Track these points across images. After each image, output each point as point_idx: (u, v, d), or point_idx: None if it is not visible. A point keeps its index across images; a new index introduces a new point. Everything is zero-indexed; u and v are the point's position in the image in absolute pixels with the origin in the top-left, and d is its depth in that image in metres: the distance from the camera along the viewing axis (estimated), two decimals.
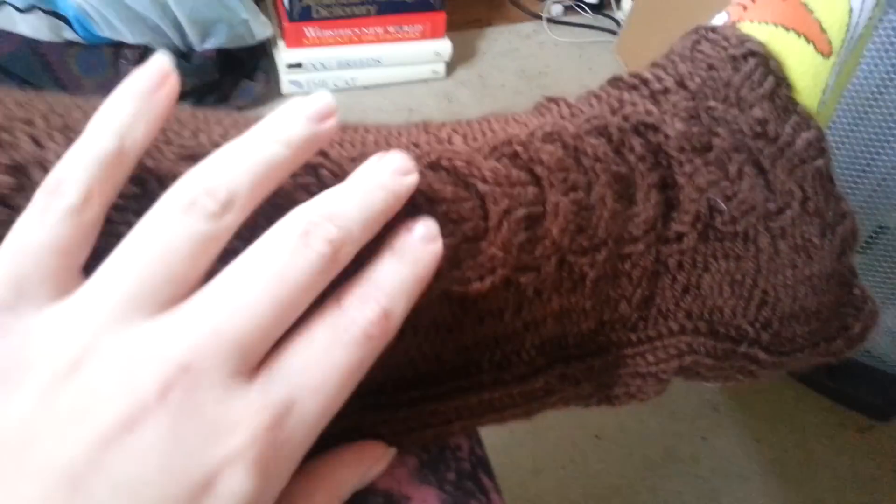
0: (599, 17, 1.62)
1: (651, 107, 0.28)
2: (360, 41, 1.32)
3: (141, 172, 0.21)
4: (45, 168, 0.20)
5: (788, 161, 0.28)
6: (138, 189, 0.21)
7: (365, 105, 1.34)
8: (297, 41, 1.27)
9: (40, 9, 1.04)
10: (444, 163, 0.24)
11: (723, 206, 0.27)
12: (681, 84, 0.28)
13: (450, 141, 0.25)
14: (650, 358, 0.28)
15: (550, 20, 1.59)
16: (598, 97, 0.29)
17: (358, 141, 0.24)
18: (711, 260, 0.27)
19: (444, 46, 1.37)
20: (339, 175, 0.22)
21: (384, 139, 0.25)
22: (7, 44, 1.07)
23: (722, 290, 0.28)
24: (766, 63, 0.29)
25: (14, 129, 0.20)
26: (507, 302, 0.24)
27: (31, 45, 1.07)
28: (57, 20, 1.05)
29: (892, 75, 0.72)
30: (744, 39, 0.30)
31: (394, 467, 0.26)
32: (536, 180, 0.25)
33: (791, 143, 0.28)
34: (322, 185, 0.22)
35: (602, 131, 0.26)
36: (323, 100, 0.21)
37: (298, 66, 1.28)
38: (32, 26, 1.05)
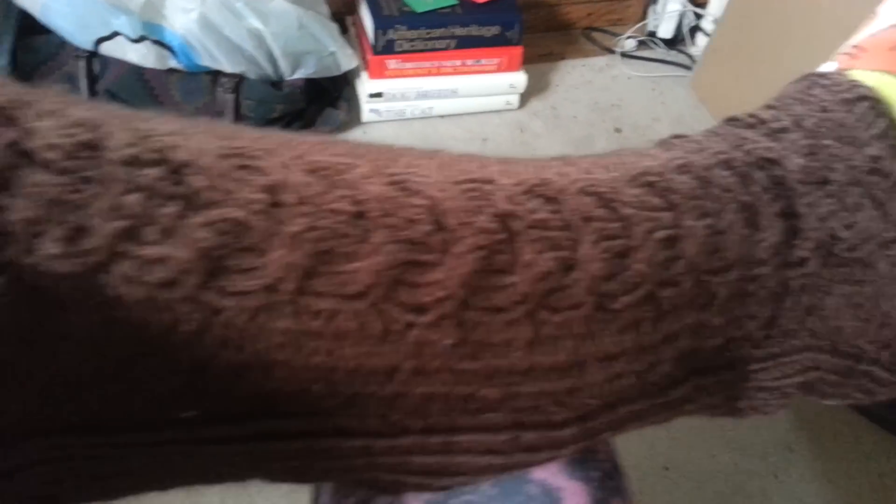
0: (673, 52, 1.63)
1: (771, 143, 0.30)
2: (439, 73, 1.37)
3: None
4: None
5: None
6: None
7: (441, 133, 1.38)
8: (379, 72, 1.33)
9: (149, 39, 1.13)
10: (591, 189, 0.26)
11: (843, 234, 0.29)
12: (797, 124, 0.31)
13: (591, 171, 0.28)
14: (775, 373, 0.30)
15: (624, 55, 1.61)
16: (718, 134, 0.32)
17: (514, 170, 0.27)
18: (833, 283, 0.29)
19: (519, 79, 1.41)
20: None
21: (536, 169, 0.28)
22: (116, 70, 1.16)
23: (843, 311, 0.29)
24: (876, 106, 0.31)
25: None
26: (647, 315, 0.27)
27: (137, 72, 1.16)
28: (163, 49, 1.14)
29: None
30: (855, 84, 0.32)
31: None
32: (672, 206, 0.27)
33: None
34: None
35: (728, 164, 0.29)
36: None
37: (379, 95, 1.34)
38: (140, 54, 1.14)
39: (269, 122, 1.22)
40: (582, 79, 1.56)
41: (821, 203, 0.29)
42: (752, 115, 0.32)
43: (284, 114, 1.23)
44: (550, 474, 0.29)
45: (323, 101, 1.31)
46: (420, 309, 0.23)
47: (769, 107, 0.33)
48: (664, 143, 0.32)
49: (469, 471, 0.27)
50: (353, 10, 1.41)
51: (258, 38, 1.16)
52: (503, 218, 0.24)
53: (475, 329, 0.24)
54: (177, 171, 0.21)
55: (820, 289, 0.29)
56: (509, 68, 1.40)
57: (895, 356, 0.31)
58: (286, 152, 0.23)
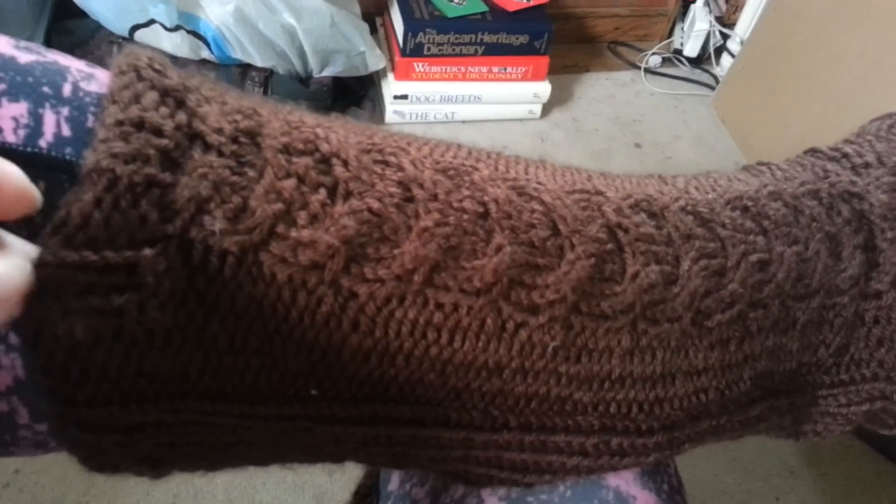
0: (697, 70, 1.64)
1: (855, 178, 0.32)
2: (465, 78, 1.38)
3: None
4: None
5: None
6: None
7: (462, 138, 1.38)
8: (405, 74, 1.35)
9: (184, 29, 1.15)
10: (690, 208, 0.28)
11: None
12: (880, 161, 0.32)
13: (687, 191, 0.29)
14: (842, 399, 0.32)
15: (648, 71, 1.62)
16: (802, 165, 0.33)
17: (619, 185, 0.28)
18: None
19: (543, 88, 1.42)
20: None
21: (638, 185, 0.29)
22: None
23: None
24: None
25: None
26: (735, 334, 0.28)
27: (170, 61, 1.18)
28: (197, 40, 1.16)
29: None
30: None
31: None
32: (764, 231, 0.29)
33: None
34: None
35: (815, 195, 0.30)
36: None
37: (404, 97, 1.36)
38: (175, 44, 1.16)
39: None
40: (605, 92, 1.57)
41: None
42: (834, 149, 0.33)
43: (310, 110, 1.24)
44: (624, 482, 0.30)
45: (348, 100, 1.32)
46: (533, 309, 0.24)
47: (849, 141, 0.34)
48: (751, 169, 0.33)
49: (558, 470, 0.28)
50: (382, 10, 1.43)
51: (290, 33, 1.17)
52: (613, 228, 0.26)
53: (580, 334, 0.25)
54: (325, 160, 0.23)
55: (892, 322, 0.31)
56: (534, 78, 1.41)
57: None
58: (415, 151, 0.25)
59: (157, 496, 0.84)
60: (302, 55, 1.21)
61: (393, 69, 1.36)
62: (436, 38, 1.32)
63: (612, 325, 0.26)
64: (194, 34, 1.15)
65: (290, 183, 0.22)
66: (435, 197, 0.23)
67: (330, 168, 0.23)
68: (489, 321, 0.24)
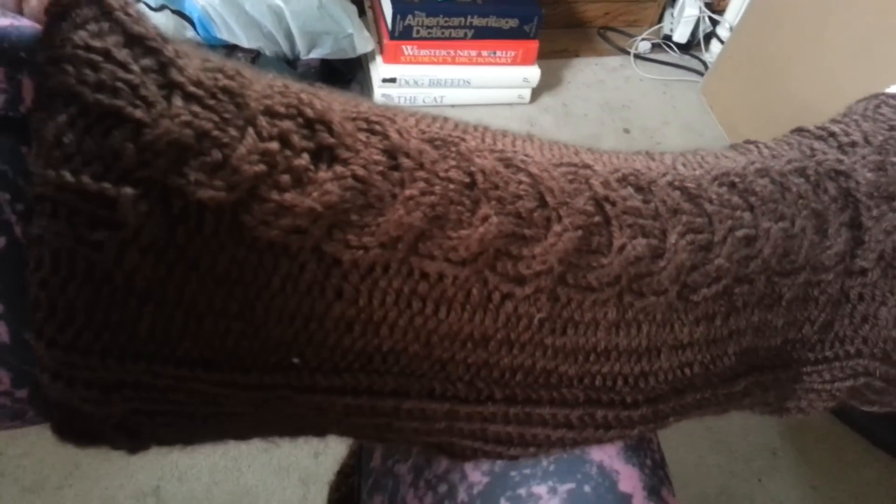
0: (686, 56, 1.64)
1: (841, 156, 0.32)
2: (454, 62, 1.38)
3: None
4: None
5: None
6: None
7: None
8: (394, 57, 1.34)
9: (169, 8, 1.13)
10: (678, 183, 0.28)
11: None
12: (866, 140, 0.32)
13: (674, 167, 0.29)
14: (826, 376, 0.32)
15: (638, 56, 1.62)
16: (789, 143, 0.33)
17: (606, 160, 0.28)
18: (889, 295, 0.31)
19: (532, 73, 1.42)
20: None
21: (625, 160, 0.29)
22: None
23: None
24: None
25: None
26: (720, 309, 0.28)
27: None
28: (182, 20, 1.14)
29: None
30: None
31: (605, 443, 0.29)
32: (751, 207, 0.29)
33: None
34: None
35: (802, 172, 0.31)
36: None
37: (392, 80, 1.35)
38: (159, 24, 1.14)
39: None
40: (594, 77, 1.56)
41: (887, 217, 0.31)
42: (821, 128, 0.34)
43: None
44: (607, 456, 0.30)
45: (335, 82, 1.31)
46: (519, 280, 0.24)
47: (836, 121, 0.34)
48: (738, 147, 0.33)
49: (543, 442, 0.28)
50: None
51: (278, 14, 1.16)
52: (600, 201, 0.26)
53: (566, 306, 0.25)
54: (309, 125, 0.22)
55: (876, 299, 0.31)
56: (524, 62, 1.41)
57: None
58: (401, 121, 0.24)
59: (140, 479, 0.84)
60: (289, 37, 1.20)
61: (381, 52, 1.35)
62: (425, 21, 1.31)
63: (599, 298, 0.26)
64: (179, 14, 1.14)
65: (273, 145, 0.21)
66: (421, 166, 0.23)
67: (314, 133, 0.22)
68: (475, 291, 0.24)
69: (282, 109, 0.22)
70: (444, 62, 1.37)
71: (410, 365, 0.25)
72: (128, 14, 0.21)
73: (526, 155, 0.26)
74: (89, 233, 0.19)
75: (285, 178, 0.21)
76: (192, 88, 0.21)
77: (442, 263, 0.23)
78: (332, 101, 0.24)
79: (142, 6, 1.12)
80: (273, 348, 0.23)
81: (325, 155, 0.22)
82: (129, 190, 0.19)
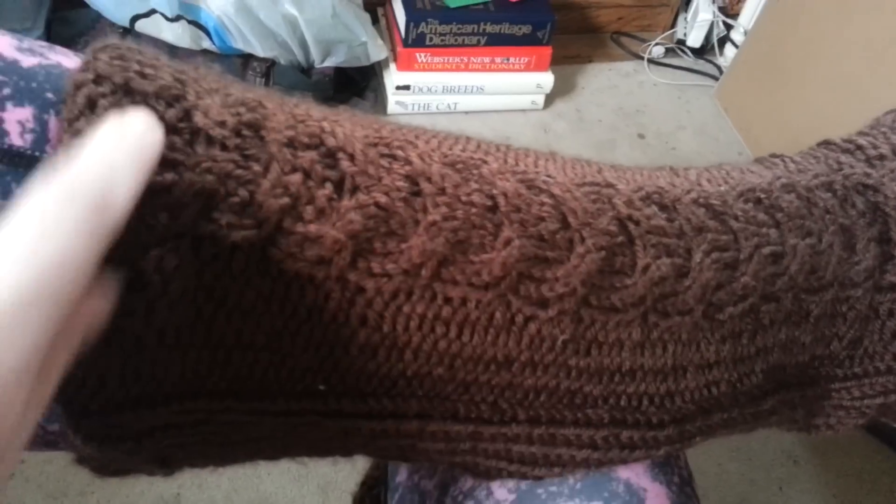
0: (701, 61, 1.63)
1: (869, 170, 0.31)
2: (467, 69, 1.38)
3: None
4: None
5: None
6: None
7: (464, 129, 1.38)
8: (408, 65, 1.34)
9: (185, 19, 1.14)
10: (702, 200, 0.28)
11: None
12: (895, 152, 0.32)
13: (699, 183, 0.29)
14: (856, 393, 0.31)
15: (651, 61, 1.61)
16: (816, 157, 0.33)
17: (629, 177, 0.28)
18: None
19: (546, 79, 1.42)
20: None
21: (650, 177, 0.29)
22: (150, 49, 1.17)
23: None
24: None
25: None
26: (747, 327, 0.28)
27: (170, 52, 1.18)
28: (198, 30, 1.15)
29: None
30: None
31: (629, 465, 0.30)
32: (777, 224, 0.28)
33: None
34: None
35: (829, 187, 0.30)
36: None
37: (406, 88, 1.35)
38: (176, 34, 1.15)
39: None
40: (608, 83, 1.56)
41: None
42: (848, 141, 0.33)
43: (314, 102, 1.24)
44: (635, 474, 0.30)
45: (350, 90, 1.32)
46: (543, 303, 0.24)
47: (863, 133, 0.34)
48: (764, 161, 0.33)
49: (567, 463, 0.28)
50: (384, 0, 1.42)
51: (292, 23, 1.17)
52: (623, 221, 0.26)
53: (590, 327, 0.25)
54: (331, 154, 0.22)
55: None
56: (537, 68, 1.41)
57: None
58: (423, 144, 0.24)
59: (161, 486, 0.85)
60: (304, 45, 1.21)
61: (395, 59, 1.36)
62: (438, 29, 1.31)
63: (623, 318, 0.25)
64: (195, 24, 1.15)
65: (297, 177, 0.21)
66: (443, 191, 0.23)
67: (336, 162, 0.22)
68: (498, 315, 0.24)
69: (304, 139, 0.22)
70: (458, 69, 1.38)
71: (434, 388, 0.25)
72: (144, 74, 0.21)
73: (549, 175, 0.26)
74: (117, 300, 0.19)
75: (309, 209, 0.21)
76: (215, 131, 0.21)
77: (465, 288, 0.23)
78: (354, 127, 0.24)
79: (158, 18, 1.13)
80: (300, 376, 0.24)
81: (347, 183, 0.22)
82: (156, 252, 0.19)
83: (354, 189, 0.22)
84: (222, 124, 0.21)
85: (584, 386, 0.26)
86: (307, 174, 0.22)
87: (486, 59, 1.38)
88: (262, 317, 0.22)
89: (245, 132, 0.22)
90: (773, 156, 0.33)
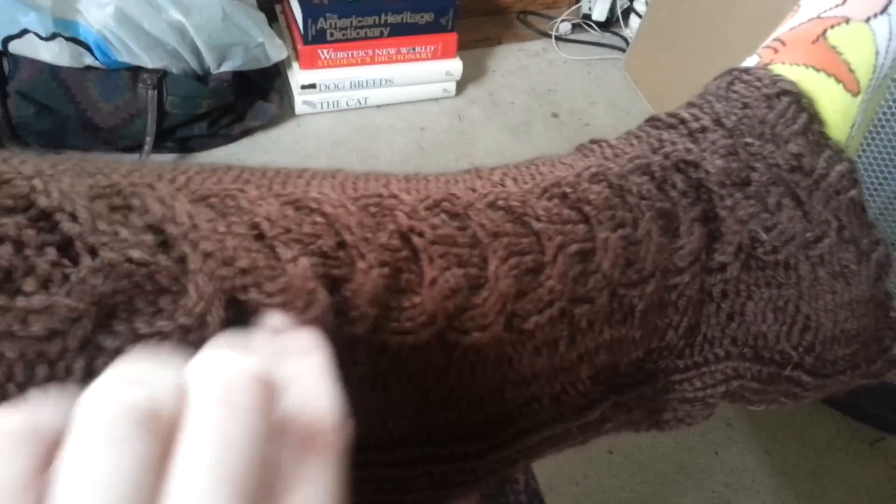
0: (608, 34, 1.64)
1: (690, 145, 0.29)
2: (373, 62, 1.34)
3: None
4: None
5: (824, 192, 0.29)
6: None
7: (377, 124, 1.36)
8: (311, 63, 1.30)
9: (62, 36, 1.07)
10: (501, 203, 0.25)
11: (763, 236, 0.28)
12: (717, 122, 0.30)
13: (502, 184, 0.27)
14: (697, 383, 0.30)
15: (559, 38, 1.61)
16: (637, 137, 0.31)
17: (421, 187, 0.26)
18: (754, 288, 0.29)
19: (455, 66, 1.40)
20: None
21: (444, 184, 0.26)
22: (28, 70, 1.10)
23: (765, 316, 0.29)
24: (798, 101, 0.30)
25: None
26: (562, 333, 0.25)
27: (52, 71, 1.10)
28: (78, 47, 1.08)
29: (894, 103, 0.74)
30: (777, 79, 0.31)
31: (457, 502, 0.27)
32: (585, 218, 0.26)
33: (825, 175, 0.29)
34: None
35: (645, 170, 0.28)
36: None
37: (312, 86, 1.31)
38: (53, 53, 1.08)
39: (196, 118, 1.18)
40: (518, 64, 1.55)
41: (741, 205, 0.28)
42: (672, 115, 0.31)
43: (212, 109, 1.19)
44: None
45: (253, 94, 1.27)
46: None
47: (691, 104, 0.32)
48: (582, 149, 0.31)
49: None
50: None
51: (180, 30, 1.11)
52: (406, 234, 0.23)
53: (385, 355, 0.23)
54: (46, 216, 0.19)
55: (741, 294, 0.29)
56: (445, 55, 1.39)
57: (819, 360, 0.30)
58: (164, 185, 0.21)
59: None
60: (196, 52, 1.15)
61: (297, 58, 1.31)
62: (338, 23, 1.27)
63: (418, 340, 0.23)
64: (74, 41, 1.08)
65: (7, 248, 0.18)
66: (195, 227, 0.21)
67: (54, 224, 0.19)
68: None
69: (8, 203, 0.19)
70: (364, 63, 1.34)
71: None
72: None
73: (320, 194, 0.23)
74: None
75: (29, 280, 0.18)
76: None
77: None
78: (76, 179, 0.21)
79: (31, 37, 1.06)
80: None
81: (78, 245, 0.19)
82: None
83: (90, 250, 0.19)
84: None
85: (387, 424, 0.24)
86: (21, 244, 0.18)
87: (392, 51, 1.35)
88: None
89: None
90: (593, 141, 0.31)
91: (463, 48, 1.40)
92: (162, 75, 1.13)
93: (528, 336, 0.25)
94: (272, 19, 1.35)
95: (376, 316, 0.22)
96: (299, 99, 1.32)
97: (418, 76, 1.39)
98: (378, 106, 1.39)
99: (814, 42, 0.33)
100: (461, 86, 1.45)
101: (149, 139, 1.13)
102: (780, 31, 0.36)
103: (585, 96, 1.48)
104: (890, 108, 0.75)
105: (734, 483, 0.88)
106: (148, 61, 1.11)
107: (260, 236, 0.21)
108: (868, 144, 0.77)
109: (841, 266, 0.29)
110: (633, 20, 1.62)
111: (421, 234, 0.23)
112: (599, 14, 1.63)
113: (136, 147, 1.15)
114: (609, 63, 1.57)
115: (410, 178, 0.26)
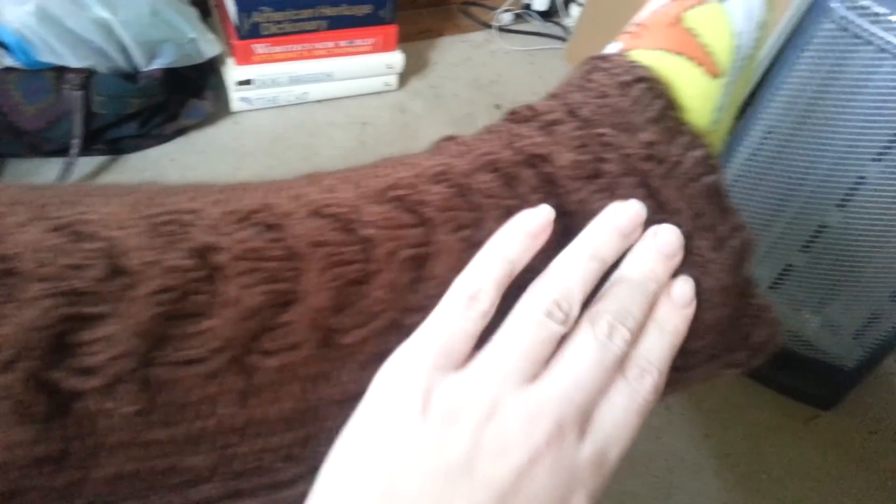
0: (549, 24, 1.64)
1: (542, 138, 0.28)
2: (311, 56, 1.32)
3: None
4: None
5: (677, 180, 0.29)
6: None
7: (318, 119, 1.34)
8: (246, 58, 1.27)
9: None
10: (325, 210, 0.24)
11: None
12: (571, 113, 0.29)
13: (332, 190, 0.25)
14: None
15: (501, 29, 1.61)
16: (493, 131, 0.30)
17: (236, 198, 0.24)
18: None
19: (395, 59, 1.38)
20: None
21: (264, 193, 0.25)
22: None
23: None
24: (654, 87, 0.30)
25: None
26: (392, 345, 0.24)
27: None
28: None
29: (829, 81, 0.75)
30: (632, 66, 0.31)
31: None
32: (423, 221, 0.25)
33: (679, 162, 0.29)
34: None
35: (493, 166, 0.27)
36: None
37: (248, 83, 1.28)
38: None
39: (127, 118, 1.14)
40: (461, 55, 1.54)
41: (592, 198, 0.28)
42: (529, 108, 0.30)
43: (143, 108, 1.15)
44: None
45: (186, 92, 1.23)
46: (88, 371, 0.20)
47: (551, 96, 0.31)
48: (437, 145, 0.30)
49: None
50: None
51: (105, 28, 1.07)
52: (202, 252, 0.22)
53: (164, 388, 0.21)
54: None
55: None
56: (385, 48, 1.37)
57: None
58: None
59: None
60: (123, 49, 1.11)
61: (232, 54, 1.28)
62: (273, 17, 1.25)
63: (209, 368, 0.21)
64: None
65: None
66: None
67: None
68: (27, 400, 0.19)
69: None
70: (302, 57, 1.32)
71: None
72: None
73: (99, 214, 0.21)
74: None
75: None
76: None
77: None
78: None
79: None
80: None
81: None
82: None
83: None
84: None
85: (182, 460, 0.21)
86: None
87: (330, 44, 1.33)
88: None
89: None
90: (448, 138, 0.30)
91: (404, 40, 1.39)
92: (88, 75, 1.09)
93: (351, 351, 0.23)
94: (205, 14, 1.32)
95: (146, 351, 0.20)
96: (235, 96, 1.29)
97: (358, 70, 1.37)
98: (318, 101, 1.37)
99: (671, 25, 0.32)
100: (403, 79, 1.43)
101: (76, 142, 1.09)
102: (642, 14, 0.36)
103: (528, 87, 1.48)
104: (822, 85, 0.76)
105: (675, 467, 0.90)
106: (73, 60, 1.07)
107: (8, 272, 0.19)
108: (801, 123, 0.79)
109: (694, 255, 0.29)
110: (574, 9, 1.63)
111: (222, 250, 0.22)
112: (541, 3, 1.63)
113: (62, 150, 1.11)
114: (551, 53, 1.57)
115: (232, 187, 0.25)
